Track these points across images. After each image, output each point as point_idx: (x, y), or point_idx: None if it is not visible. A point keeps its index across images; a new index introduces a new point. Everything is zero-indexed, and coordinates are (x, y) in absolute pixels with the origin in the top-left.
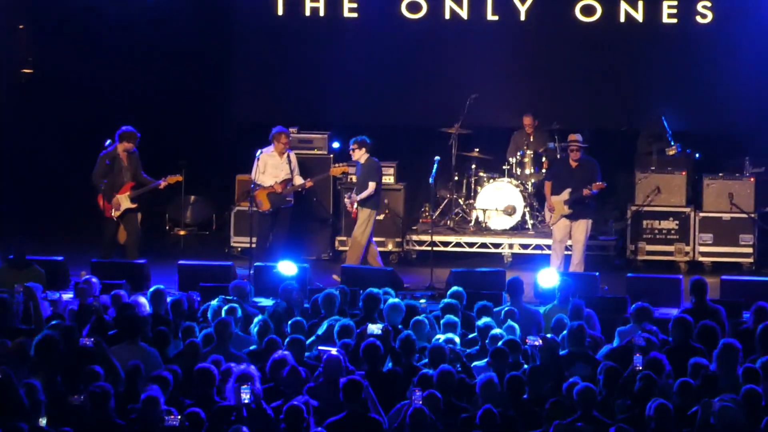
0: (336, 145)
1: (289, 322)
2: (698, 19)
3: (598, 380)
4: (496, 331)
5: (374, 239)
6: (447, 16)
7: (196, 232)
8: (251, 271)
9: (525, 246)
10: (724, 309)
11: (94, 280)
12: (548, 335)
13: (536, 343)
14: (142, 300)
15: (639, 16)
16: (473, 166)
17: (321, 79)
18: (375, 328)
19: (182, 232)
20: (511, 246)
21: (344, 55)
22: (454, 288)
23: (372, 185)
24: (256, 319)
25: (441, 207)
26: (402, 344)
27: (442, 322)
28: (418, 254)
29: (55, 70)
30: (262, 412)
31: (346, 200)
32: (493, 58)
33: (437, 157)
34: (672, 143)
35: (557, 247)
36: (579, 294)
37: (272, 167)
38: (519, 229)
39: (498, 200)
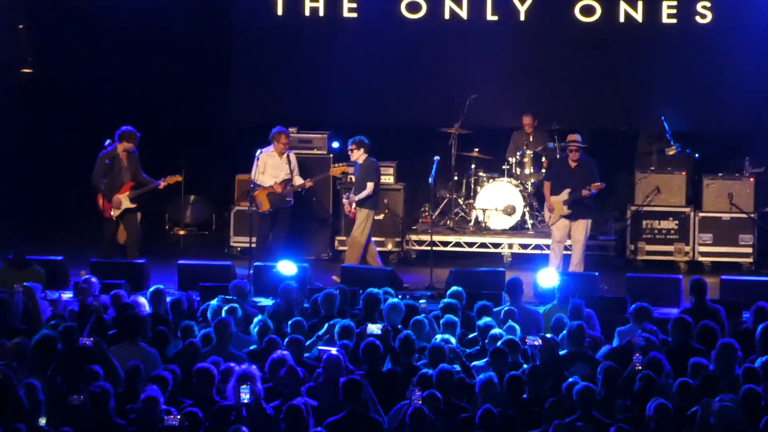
0: (336, 145)
1: (290, 322)
2: (698, 19)
3: (598, 380)
4: (496, 330)
5: (374, 239)
6: (447, 16)
7: (196, 232)
8: (251, 271)
9: (525, 246)
10: (724, 309)
11: (93, 279)
12: (548, 335)
13: (536, 343)
14: (142, 300)
15: (638, 16)
16: (473, 166)
17: (321, 79)
18: (375, 328)
19: (182, 232)
20: (510, 246)
21: (344, 55)
22: (454, 288)
23: (370, 186)
24: (256, 319)
25: (441, 207)
26: (402, 344)
27: (441, 322)
28: (417, 254)
29: (54, 69)
30: (262, 412)
31: (344, 201)
32: (493, 58)
33: (437, 157)
34: (672, 143)
35: (556, 247)
36: (579, 294)
37: (272, 167)
38: (518, 229)
39: (498, 200)
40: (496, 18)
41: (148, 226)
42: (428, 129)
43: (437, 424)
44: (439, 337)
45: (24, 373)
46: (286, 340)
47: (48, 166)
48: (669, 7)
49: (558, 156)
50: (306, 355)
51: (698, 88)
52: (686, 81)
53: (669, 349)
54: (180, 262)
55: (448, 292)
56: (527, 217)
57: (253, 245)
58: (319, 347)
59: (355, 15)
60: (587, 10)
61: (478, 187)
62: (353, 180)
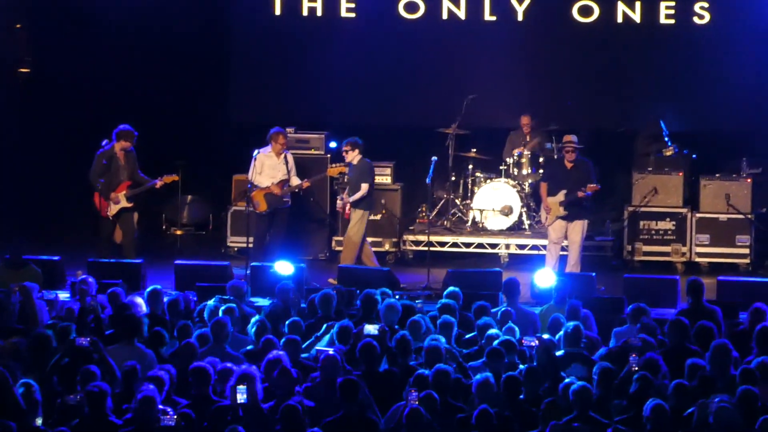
0: (333, 145)
1: (287, 323)
2: (696, 19)
3: (594, 381)
4: (492, 331)
5: (371, 239)
6: (444, 16)
7: (193, 232)
8: (248, 271)
9: (522, 246)
10: (721, 310)
11: (90, 279)
12: (545, 336)
13: (532, 344)
14: (139, 300)
15: (636, 16)
16: (470, 167)
17: (318, 79)
18: (372, 329)
19: (179, 232)
20: (507, 246)
21: (342, 55)
22: (451, 288)
23: (365, 187)
24: (253, 319)
25: (438, 207)
26: (398, 344)
27: (438, 322)
28: (414, 254)
29: (52, 69)
30: (259, 413)
31: (338, 202)
32: (491, 58)
33: (434, 158)
34: (669, 144)
35: (553, 248)
36: (576, 294)
37: (269, 168)
38: (516, 229)
39: (495, 201)
40: (494, 18)
41: (145, 226)
42: (426, 129)
43: (434, 424)
44: (427, 339)
45: (19, 372)
46: (283, 340)
47: (45, 165)
48: (667, 7)
49: (555, 156)
50: (304, 355)
51: (696, 88)
52: (684, 82)
53: (665, 350)
54: (177, 262)
55: (445, 293)
56: (524, 217)
57: (250, 245)
58: (317, 347)
59: (353, 15)
60: (585, 11)
61: (476, 188)
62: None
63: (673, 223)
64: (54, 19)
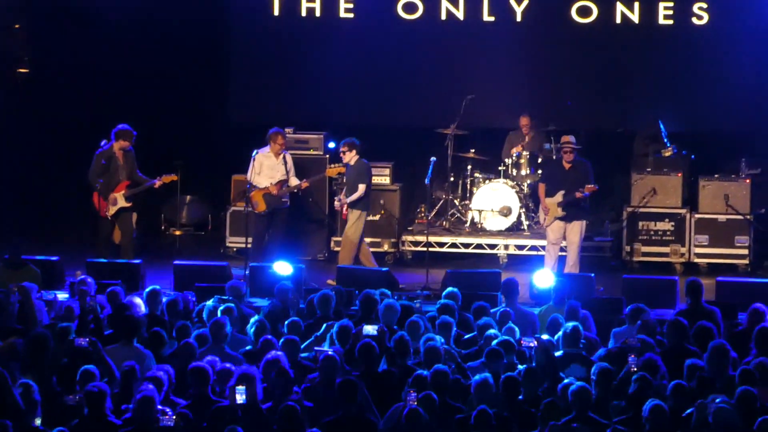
0: (332, 145)
1: (286, 323)
2: (694, 20)
3: (593, 381)
4: (491, 331)
5: (370, 240)
6: (443, 16)
7: (192, 232)
8: (247, 272)
9: (520, 247)
10: (720, 310)
11: (89, 280)
12: (543, 336)
13: (531, 344)
14: (138, 300)
15: (635, 17)
16: (469, 167)
17: (317, 79)
18: (370, 329)
19: (178, 232)
20: (506, 247)
21: (340, 55)
22: (450, 289)
23: (362, 187)
24: (252, 319)
25: (437, 208)
26: (396, 345)
27: (437, 322)
28: (413, 255)
29: (51, 69)
30: (258, 413)
31: (336, 203)
32: (489, 59)
33: (433, 158)
34: (668, 145)
35: (551, 249)
36: (575, 295)
37: (268, 168)
38: (514, 230)
39: (494, 201)
40: (492, 19)
41: (144, 226)
42: (424, 130)
43: (433, 425)
44: (423, 338)
45: (18, 372)
46: (282, 340)
47: (44, 165)
48: (665, 8)
49: (554, 157)
50: (303, 354)
51: (694, 89)
52: (682, 82)
53: (664, 351)
54: (176, 262)
55: (444, 293)
56: (523, 218)
57: (249, 246)
58: (316, 347)
59: (351, 15)
60: (584, 11)
61: (474, 188)
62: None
63: (672, 223)
64: (53, 19)
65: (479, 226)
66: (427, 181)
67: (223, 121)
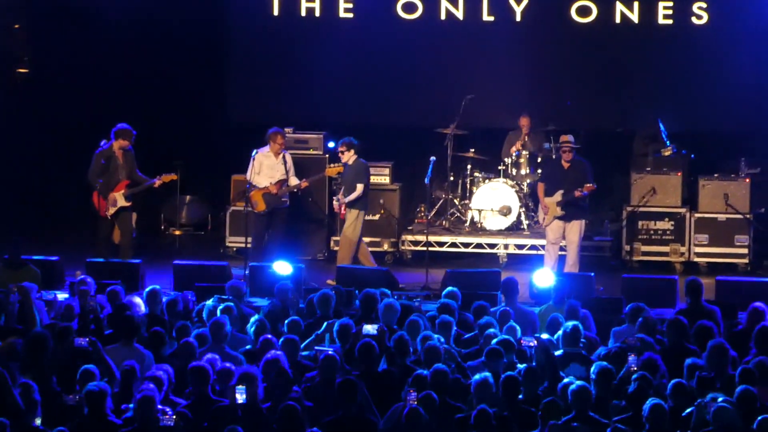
0: (331, 145)
1: (286, 322)
2: (694, 20)
3: (592, 380)
4: (490, 330)
5: (370, 239)
6: (443, 16)
7: (192, 232)
8: (247, 272)
9: (520, 246)
10: (720, 310)
11: (89, 280)
12: (543, 336)
13: (531, 344)
14: (138, 300)
15: (634, 17)
16: (469, 167)
17: (316, 79)
18: (370, 328)
19: (178, 232)
20: (506, 246)
21: (340, 55)
22: (449, 288)
23: (360, 187)
24: (252, 319)
25: (436, 207)
26: (396, 344)
27: (437, 322)
28: (413, 254)
29: (51, 69)
30: (258, 413)
31: (334, 203)
32: (489, 58)
33: (433, 158)
34: (667, 144)
35: (551, 249)
36: (575, 295)
37: (267, 168)
38: (514, 229)
39: (493, 201)
40: (492, 19)
41: (143, 226)
42: (424, 129)
43: (432, 424)
44: (419, 336)
45: (17, 372)
46: (281, 339)
47: (44, 165)
48: (665, 7)
49: (554, 157)
50: (304, 353)
51: (694, 88)
52: (682, 82)
53: (664, 350)
54: (175, 262)
55: (444, 293)
56: (523, 217)
57: (249, 245)
58: (316, 347)
59: (351, 15)
60: (583, 11)
61: (474, 188)
62: None
63: (672, 223)
64: (53, 19)
65: (479, 225)
66: (426, 180)
67: (223, 120)
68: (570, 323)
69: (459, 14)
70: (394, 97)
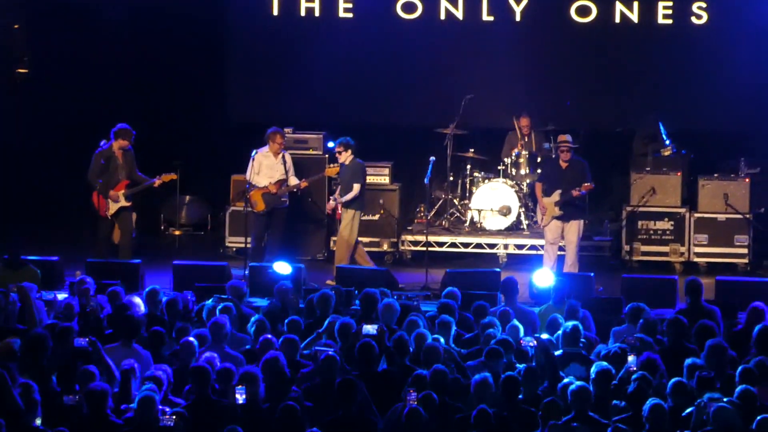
0: (331, 145)
1: (286, 322)
2: (693, 19)
3: (592, 380)
4: (490, 330)
5: (369, 239)
6: (442, 16)
7: (191, 232)
8: (246, 272)
9: (520, 246)
10: (719, 310)
11: (89, 280)
12: (543, 335)
13: (531, 344)
14: (137, 300)
15: (634, 16)
16: (468, 167)
17: (316, 79)
18: (370, 328)
19: (177, 232)
20: (506, 246)
21: (339, 55)
22: (449, 288)
23: (357, 187)
24: (252, 318)
25: (436, 207)
26: (396, 344)
27: (437, 322)
28: (413, 254)
29: (50, 69)
30: (258, 413)
31: (330, 202)
32: (489, 58)
33: (432, 158)
34: (667, 144)
35: (550, 249)
36: (574, 295)
37: (267, 167)
38: (514, 229)
39: (493, 201)
40: (491, 18)
41: (143, 226)
42: (424, 129)
43: (432, 424)
44: (414, 333)
45: (17, 372)
46: (281, 339)
47: (44, 165)
48: (664, 7)
49: (553, 156)
50: (305, 352)
51: (693, 88)
52: (682, 81)
53: (663, 350)
54: (175, 262)
55: (443, 293)
56: (522, 217)
57: (249, 245)
58: (316, 347)
59: (350, 15)
60: (583, 11)
61: (474, 188)
62: None
63: (672, 223)
64: (52, 19)
65: (479, 225)
66: (426, 180)
67: (222, 120)
68: (570, 323)
69: (459, 14)
70: (393, 97)
